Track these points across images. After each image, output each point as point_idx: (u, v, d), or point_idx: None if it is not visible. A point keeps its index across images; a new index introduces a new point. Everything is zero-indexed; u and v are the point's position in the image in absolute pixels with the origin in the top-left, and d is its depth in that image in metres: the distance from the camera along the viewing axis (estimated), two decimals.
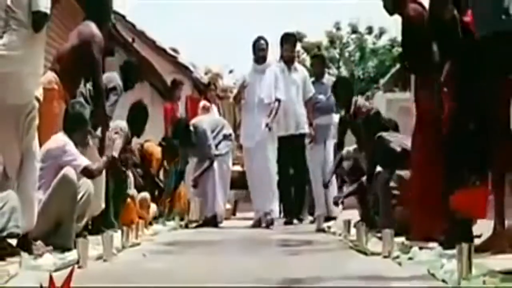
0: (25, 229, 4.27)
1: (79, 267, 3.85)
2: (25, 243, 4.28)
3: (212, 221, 8.76)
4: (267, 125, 8.54)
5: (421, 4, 5.21)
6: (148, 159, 8.31)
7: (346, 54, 31.67)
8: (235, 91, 9.46)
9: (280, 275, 3.53)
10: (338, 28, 31.48)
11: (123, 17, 15.38)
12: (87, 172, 5.07)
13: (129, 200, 6.80)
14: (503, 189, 4.10)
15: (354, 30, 31.05)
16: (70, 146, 5.05)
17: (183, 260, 4.87)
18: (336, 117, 9.79)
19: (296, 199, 9.24)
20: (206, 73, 29.87)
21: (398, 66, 18.21)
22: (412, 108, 5.77)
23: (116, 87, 6.94)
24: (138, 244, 5.59)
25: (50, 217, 4.81)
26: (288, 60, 9.37)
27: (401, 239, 4.89)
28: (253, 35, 8.92)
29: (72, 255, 4.25)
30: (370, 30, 30.83)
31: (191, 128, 8.97)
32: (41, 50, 4.69)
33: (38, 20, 4.52)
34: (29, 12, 4.55)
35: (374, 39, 30.90)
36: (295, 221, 8.99)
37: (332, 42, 31.48)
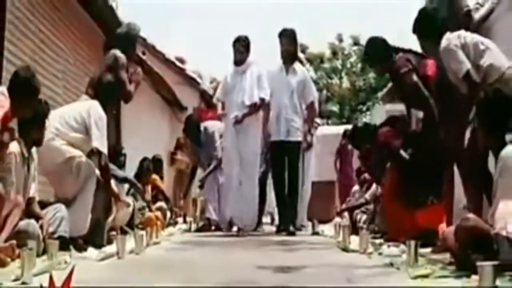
0: (80, 232, 5.45)
1: (118, 258, 4.89)
2: (73, 240, 5.36)
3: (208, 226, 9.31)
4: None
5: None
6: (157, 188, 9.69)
7: (348, 65, 32.47)
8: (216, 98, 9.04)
9: (275, 264, 4.56)
10: (341, 40, 32.33)
11: None
12: None
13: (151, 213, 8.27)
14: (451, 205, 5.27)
15: (356, 42, 31.88)
16: None
17: (196, 254, 5.91)
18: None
19: (289, 208, 8.60)
20: (211, 82, 30.78)
21: None
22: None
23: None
24: (158, 242, 6.64)
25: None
26: (286, 57, 8.73)
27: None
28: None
29: (109, 249, 5.28)
30: None
31: (202, 128, 9.55)
32: None
33: (92, 154, 5.75)
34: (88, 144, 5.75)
35: None
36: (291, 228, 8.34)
37: (334, 53, 32.27)
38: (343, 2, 42.97)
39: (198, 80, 20.78)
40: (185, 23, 55.17)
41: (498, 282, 3.16)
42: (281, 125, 8.60)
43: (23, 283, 3.47)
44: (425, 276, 3.68)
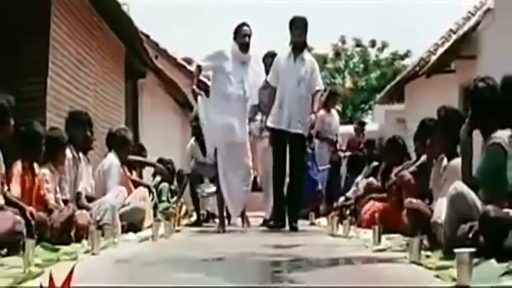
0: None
1: (153, 240, 6.27)
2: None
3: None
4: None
5: None
6: None
7: (351, 66, 33.31)
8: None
9: (275, 243, 6.00)
10: (343, 42, 33.13)
11: (147, 36, 17.40)
12: None
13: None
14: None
15: (358, 44, 32.66)
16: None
17: (213, 237, 7.36)
18: None
19: (289, 203, 8.29)
20: None
21: (396, 80, 20.12)
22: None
23: None
24: (179, 230, 8.03)
25: None
26: (296, 46, 8.40)
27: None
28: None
29: (143, 234, 6.66)
30: (373, 43, 32.26)
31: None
32: None
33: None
34: None
35: (377, 52, 32.50)
36: (287, 227, 8.06)
37: (337, 54, 33.01)
38: (346, 5, 44.04)
39: (207, 82, 21.94)
40: (190, 24, 56.36)
41: (429, 253, 4.50)
42: (283, 113, 8.25)
43: (93, 254, 4.82)
44: (383, 250, 5.07)
